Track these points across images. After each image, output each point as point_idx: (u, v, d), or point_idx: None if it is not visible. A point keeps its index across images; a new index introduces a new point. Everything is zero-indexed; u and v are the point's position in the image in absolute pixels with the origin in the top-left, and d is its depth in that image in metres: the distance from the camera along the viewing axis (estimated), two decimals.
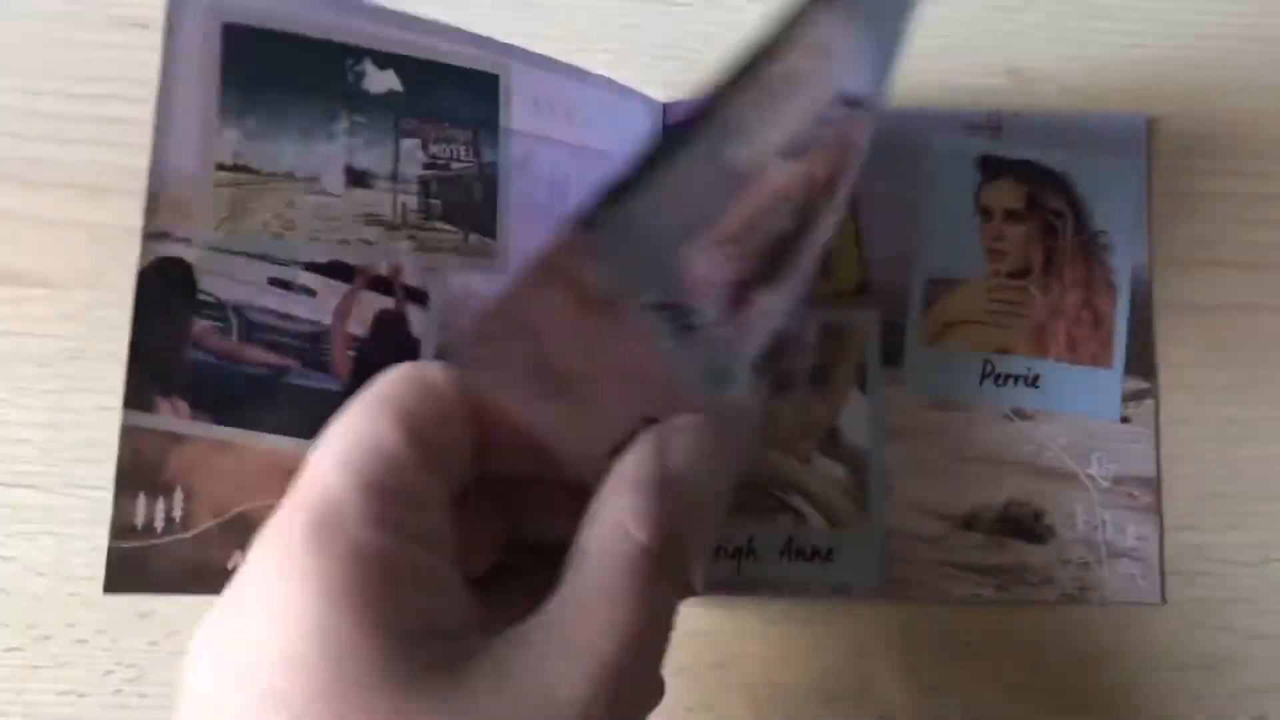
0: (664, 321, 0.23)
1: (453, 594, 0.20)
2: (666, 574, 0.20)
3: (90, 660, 0.33)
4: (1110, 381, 0.35)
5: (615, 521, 0.20)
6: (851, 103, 0.26)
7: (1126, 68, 0.37)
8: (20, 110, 0.35)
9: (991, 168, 0.36)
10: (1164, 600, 0.34)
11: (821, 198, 0.25)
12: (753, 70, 0.22)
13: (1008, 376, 0.35)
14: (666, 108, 0.36)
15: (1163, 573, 0.34)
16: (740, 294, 0.24)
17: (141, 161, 0.33)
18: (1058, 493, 0.34)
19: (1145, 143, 0.36)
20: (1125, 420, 0.35)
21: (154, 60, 0.35)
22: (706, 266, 0.23)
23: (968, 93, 0.36)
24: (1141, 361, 0.35)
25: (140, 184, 0.34)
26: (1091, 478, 0.35)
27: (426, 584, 0.20)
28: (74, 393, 0.34)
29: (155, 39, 0.35)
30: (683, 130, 0.22)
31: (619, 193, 0.21)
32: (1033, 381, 0.35)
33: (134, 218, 0.34)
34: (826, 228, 0.26)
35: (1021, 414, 0.35)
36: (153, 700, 0.33)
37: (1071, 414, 0.35)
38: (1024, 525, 0.34)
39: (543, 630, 0.19)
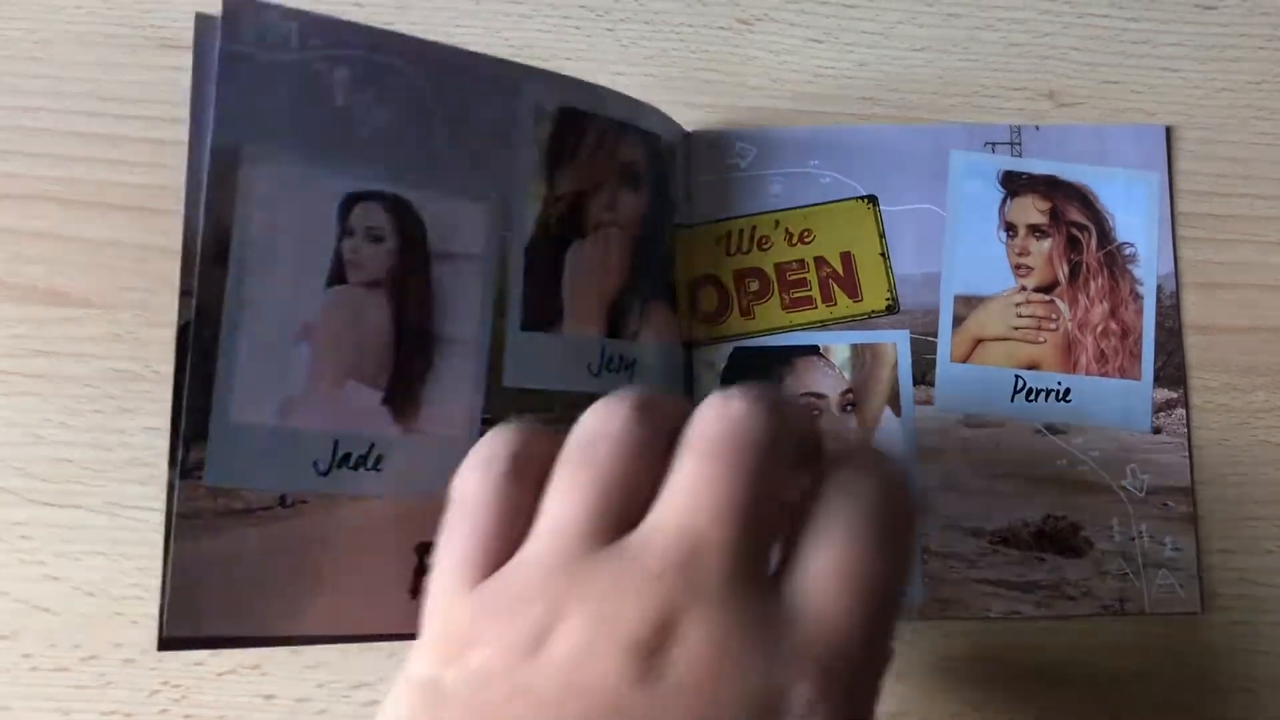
0: None
1: None
2: None
3: (136, 680, 0.33)
4: (1140, 393, 0.35)
5: None
6: None
7: (1161, 91, 0.37)
8: (63, 132, 0.35)
9: (1014, 183, 0.36)
10: (1202, 610, 0.35)
11: None
12: None
13: (1038, 391, 0.35)
14: (690, 135, 0.36)
15: (1201, 582, 0.35)
16: None
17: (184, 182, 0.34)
18: (1093, 506, 0.35)
19: (1165, 153, 0.37)
20: (1157, 431, 0.35)
21: None
22: None
23: (1006, 116, 0.37)
24: (1170, 372, 0.36)
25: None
26: (1126, 489, 0.35)
27: None
28: (120, 413, 0.34)
29: None
30: None
31: None
32: (1063, 396, 0.35)
33: (177, 239, 0.34)
34: None
35: (1053, 429, 0.35)
36: None
37: (1103, 427, 0.35)
38: (1061, 539, 0.35)
39: None
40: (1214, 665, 0.34)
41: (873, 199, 0.36)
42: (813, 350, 0.35)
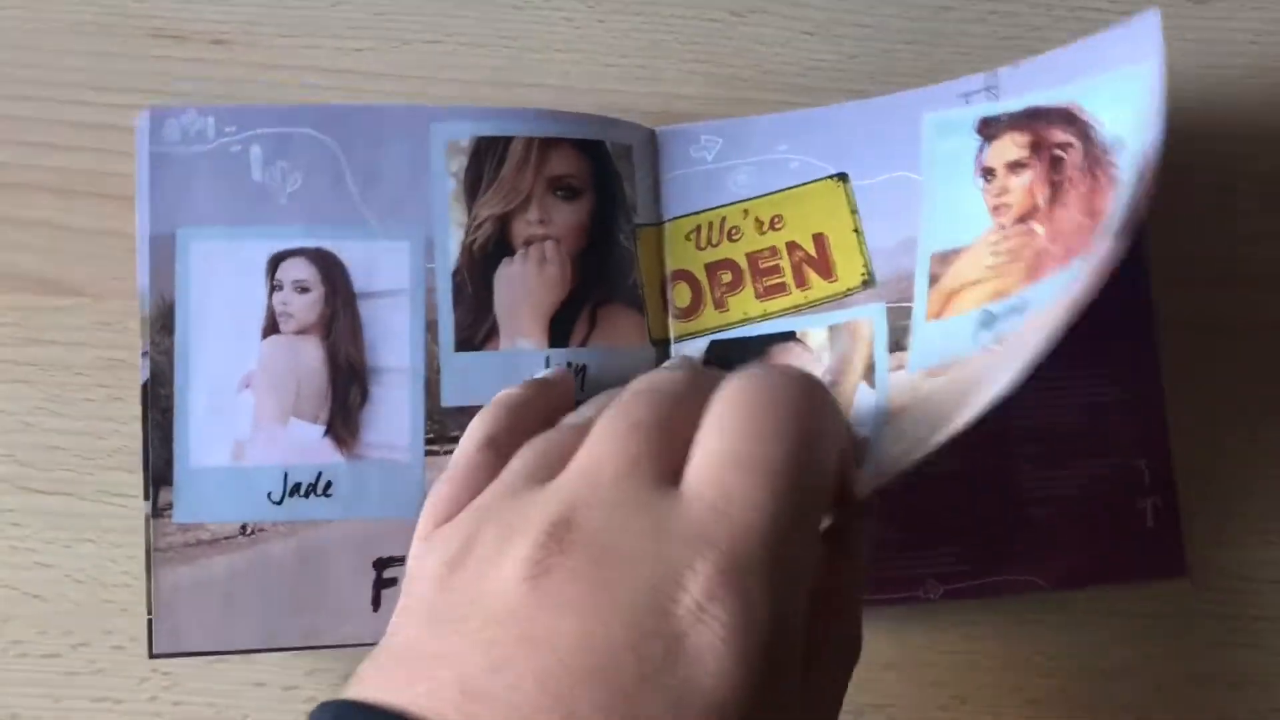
0: None
1: None
2: None
3: (126, 667, 0.33)
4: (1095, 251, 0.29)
5: None
6: None
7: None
8: (55, 120, 0.35)
9: (991, 128, 0.34)
10: (1189, 578, 0.34)
11: None
12: None
13: (995, 317, 0.32)
14: (655, 134, 0.36)
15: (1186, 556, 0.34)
16: None
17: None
18: None
19: (1159, 40, 0.30)
20: None
21: (189, 71, 0.36)
22: None
23: None
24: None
25: None
26: None
27: None
28: (110, 401, 0.34)
29: (191, 50, 0.36)
30: None
31: None
32: (1020, 309, 0.31)
33: None
34: None
35: (1003, 339, 0.31)
36: (187, 708, 0.33)
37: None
38: None
39: None
40: (1200, 659, 0.35)
41: (843, 176, 0.35)
42: (789, 336, 0.35)
